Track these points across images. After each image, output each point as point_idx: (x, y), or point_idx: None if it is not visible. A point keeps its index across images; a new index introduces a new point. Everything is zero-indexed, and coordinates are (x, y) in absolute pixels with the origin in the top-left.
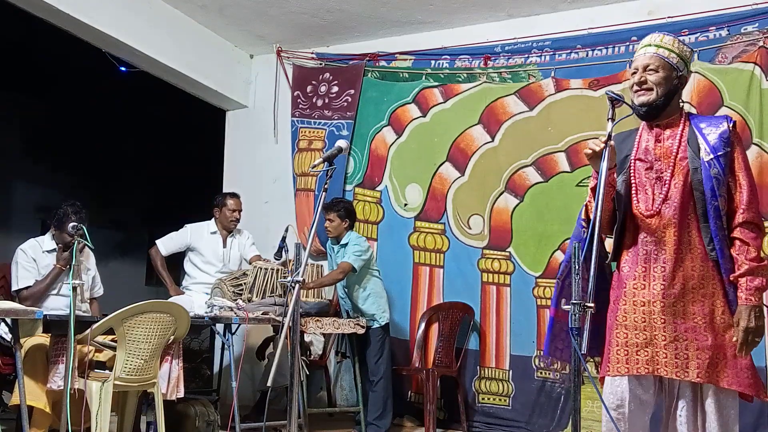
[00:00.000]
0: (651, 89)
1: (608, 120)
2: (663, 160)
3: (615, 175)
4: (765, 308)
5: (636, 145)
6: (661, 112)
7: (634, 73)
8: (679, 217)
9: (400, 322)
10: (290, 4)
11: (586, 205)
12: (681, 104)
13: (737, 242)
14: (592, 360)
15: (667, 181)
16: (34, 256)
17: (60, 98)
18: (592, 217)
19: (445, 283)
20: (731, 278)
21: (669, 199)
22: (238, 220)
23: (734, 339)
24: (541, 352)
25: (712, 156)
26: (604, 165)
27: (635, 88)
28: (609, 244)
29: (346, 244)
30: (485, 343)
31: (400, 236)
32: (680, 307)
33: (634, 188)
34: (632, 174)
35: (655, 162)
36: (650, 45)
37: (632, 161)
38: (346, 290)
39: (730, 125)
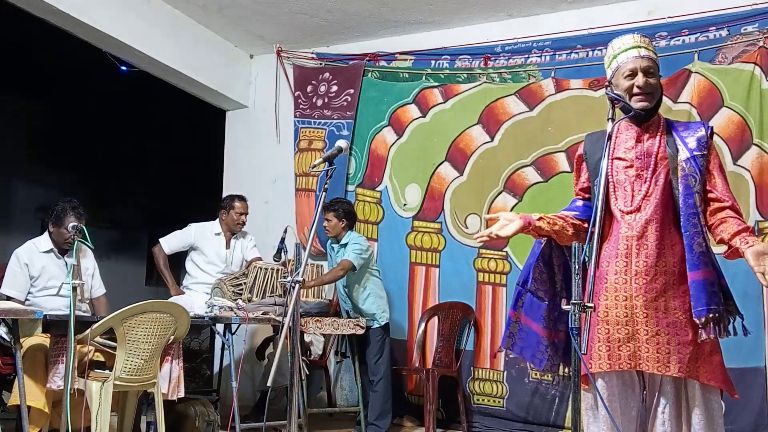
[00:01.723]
0: (651, 93)
1: (608, 120)
2: (643, 159)
3: (590, 181)
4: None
5: (614, 144)
6: (652, 115)
7: (632, 75)
8: (661, 214)
9: (399, 322)
10: (290, 4)
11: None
12: None
13: (733, 219)
14: (564, 374)
15: (647, 179)
16: (27, 261)
17: (60, 98)
18: (592, 220)
19: (441, 282)
20: (734, 233)
21: (650, 196)
22: (244, 224)
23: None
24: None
25: (689, 155)
26: (605, 163)
27: (636, 91)
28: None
29: (346, 244)
30: (480, 343)
31: (399, 236)
32: (662, 302)
33: (612, 186)
34: (610, 172)
35: (635, 160)
36: (640, 47)
37: (610, 160)
38: (346, 290)
39: (708, 132)
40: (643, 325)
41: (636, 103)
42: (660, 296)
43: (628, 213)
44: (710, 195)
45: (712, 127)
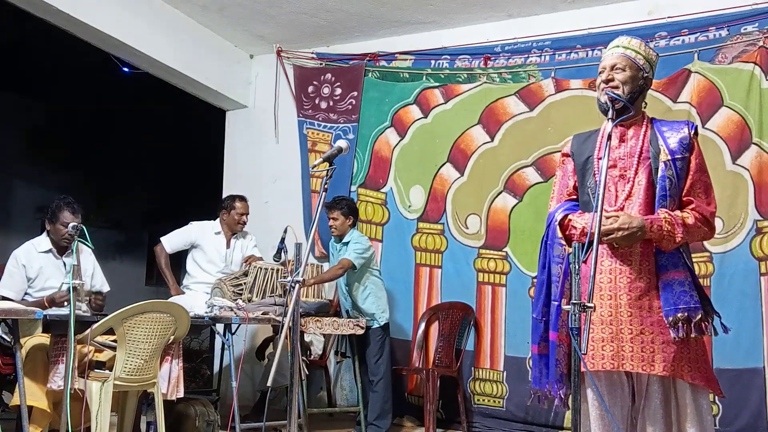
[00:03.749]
0: (617, 87)
1: (608, 120)
2: (626, 159)
3: (576, 182)
4: None
5: (598, 144)
6: (626, 110)
7: (602, 72)
8: (644, 213)
9: (402, 323)
10: (290, 4)
11: (562, 223)
12: (644, 106)
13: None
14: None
15: (630, 179)
16: (25, 262)
17: (60, 98)
18: (591, 224)
19: (443, 283)
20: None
21: (632, 196)
22: (245, 224)
23: (611, 222)
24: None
25: (669, 158)
26: (604, 162)
27: (602, 86)
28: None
29: (348, 242)
30: (480, 343)
31: (404, 238)
32: (645, 301)
33: (596, 185)
34: (595, 172)
35: (619, 160)
36: (618, 46)
37: (595, 159)
38: (346, 288)
39: (692, 131)
40: (627, 324)
41: (602, 97)
42: (644, 295)
43: (612, 212)
44: (685, 198)
45: (696, 126)
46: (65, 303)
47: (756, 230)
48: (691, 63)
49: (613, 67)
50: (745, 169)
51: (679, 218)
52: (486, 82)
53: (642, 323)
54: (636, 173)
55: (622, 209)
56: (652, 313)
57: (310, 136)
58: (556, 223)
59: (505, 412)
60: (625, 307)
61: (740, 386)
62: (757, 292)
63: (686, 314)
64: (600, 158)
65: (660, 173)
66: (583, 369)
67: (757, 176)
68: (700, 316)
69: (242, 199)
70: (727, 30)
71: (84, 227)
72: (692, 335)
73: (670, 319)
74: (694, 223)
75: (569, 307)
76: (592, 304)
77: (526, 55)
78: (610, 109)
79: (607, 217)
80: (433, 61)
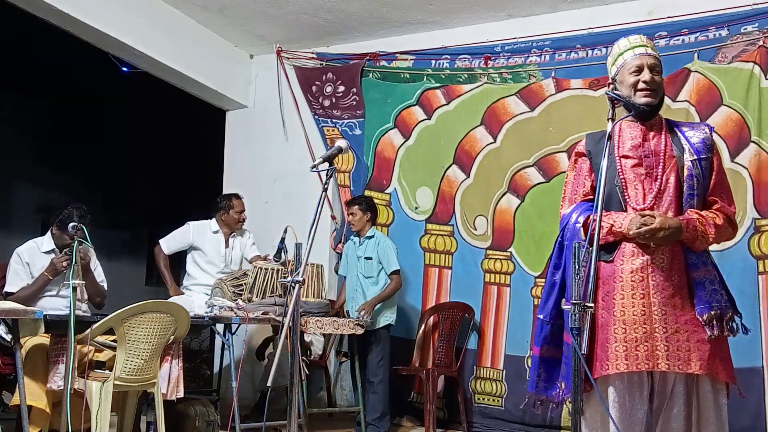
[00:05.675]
0: (656, 90)
1: (608, 120)
2: (652, 157)
3: (594, 181)
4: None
5: (617, 143)
6: (657, 111)
7: (637, 71)
8: (675, 211)
9: (407, 323)
10: (290, 4)
11: (585, 224)
12: None
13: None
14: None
15: (658, 177)
16: (28, 260)
17: (60, 99)
18: (591, 219)
19: (453, 284)
20: (691, 210)
21: (663, 193)
22: (245, 220)
23: (646, 221)
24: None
25: (695, 157)
26: (605, 163)
27: (642, 86)
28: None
29: (372, 237)
30: (483, 343)
31: (411, 239)
32: (678, 299)
33: (623, 184)
34: (619, 170)
35: (644, 159)
36: (647, 46)
37: (617, 158)
38: (366, 280)
39: (711, 133)
40: (660, 323)
41: (640, 98)
42: (676, 293)
43: (641, 210)
44: (710, 198)
45: (713, 128)
46: (64, 264)
47: (754, 229)
48: (691, 62)
49: (652, 69)
50: (744, 167)
51: (710, 218)
52: (486, 83)
53: (676, 321)
54: (664, 171)
55: (651, 208)
56: (685, 311)
57: (328, 134)
58: (579, 225)
59: (504, 411)
60: (659, 306)
61: (739, 386)
62: (755, 291)
63: (719, 312)
64: (621, 156)
65: (687, 172)
66: (605, 373)
67: (755, 174)
68: (730, 314)
69: (237, 196)
70: (727, 30)
71: (84, 227)
72: (725, 333)
73: (705, 317)
74: (722, 223)
75: (569, 307)
76: (591, 304)
77: (526, 55)
78: (611, 109)
79: (643, 215)
80: (433, 61)
